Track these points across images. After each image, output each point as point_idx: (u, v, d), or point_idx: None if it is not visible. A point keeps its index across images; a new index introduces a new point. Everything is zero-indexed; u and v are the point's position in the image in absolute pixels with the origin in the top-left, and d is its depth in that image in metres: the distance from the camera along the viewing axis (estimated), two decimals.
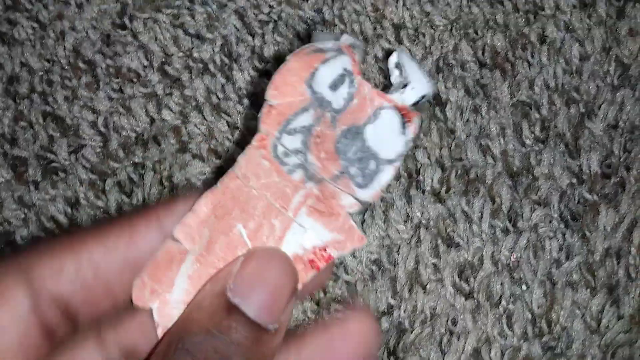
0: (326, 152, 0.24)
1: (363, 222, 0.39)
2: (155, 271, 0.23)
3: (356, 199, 0.24)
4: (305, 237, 0.24)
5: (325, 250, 0.24)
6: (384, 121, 0.24)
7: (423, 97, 0.25)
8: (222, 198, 0.24)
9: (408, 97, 0.25)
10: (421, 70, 0.25)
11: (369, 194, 0.24)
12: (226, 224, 0.24)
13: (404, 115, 0.25)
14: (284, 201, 0.24)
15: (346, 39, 0.24)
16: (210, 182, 0.38)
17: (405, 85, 0.25)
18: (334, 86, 0.24)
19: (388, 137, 0.24)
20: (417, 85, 0.25)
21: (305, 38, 0.43)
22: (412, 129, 0.24)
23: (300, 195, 0.24)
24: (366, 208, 0.40)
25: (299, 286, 0.23)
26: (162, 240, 0.23)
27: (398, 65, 0.26)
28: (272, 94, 0.24)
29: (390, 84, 0.26)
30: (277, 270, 0.23)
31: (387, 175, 0.24)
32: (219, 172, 0.40)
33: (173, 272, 0.23)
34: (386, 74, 0.40)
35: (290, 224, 0.24)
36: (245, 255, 0.23)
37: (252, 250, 0.23)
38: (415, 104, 0.25)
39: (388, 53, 0.43)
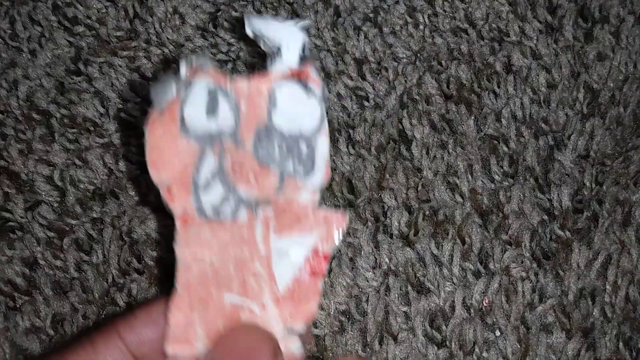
0: (253, 172, 0.22)
1: (330, 271, 0.36)
2: None
3: (311, 188, 0.22)
4: (291, 256, 0.22)
5: (317, 253, 0.22)
6: (284, 99, 0.21)
7: (303, 48, 0.22)
8: (191, 294, 0.21)
9: (288, 59, 0.21)
10: (282, 23, 0.22)
11: (319, 177, 0.22)
12: (216, 307, 0.21)
13: (299, 78, 0.21)
14: (249, 244, 0.22)
15: (185, 66, 0.21)
16: (172, 236, 0.35)
17: (279, 50, 0.21)
18: (211, 112, 0.21)
19: (298, 109, 0.22)
20: (288, 41, 0.22)
21: None
22: (314, 84, 0.21)
23: (260, 227, 0.22)
24: (327, 186, 0.37)
25: (317, 302, 0.22)
26: (126, 355, 0.21)
27: (257, 34, 0.22)
28: (157, 174, 0.21)
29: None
30: (245, 341, 0.21)
31: (322, 146, 0.22)
32: None
33: None
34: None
35: (269, 257, 0.22)
36: (215, 341, 0.21)
37: (220, 336, 0.21)
38: (302, 60, 0.22)
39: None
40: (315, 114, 0.22)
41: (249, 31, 0.22)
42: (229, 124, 0.21)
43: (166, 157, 0.21)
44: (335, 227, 0.22)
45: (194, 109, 0.21)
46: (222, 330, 0.21)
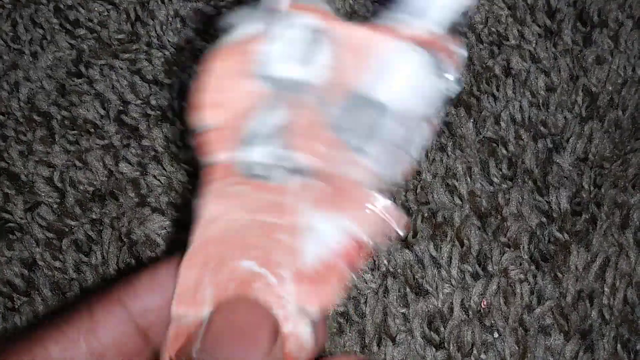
0: (326, 143, 0.17)
1: None
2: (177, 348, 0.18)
3: (383, 183, 0.18)
4: (326, 236, 0.18)
5: (357, 241, 0.18)
6: (405, 69, 0.16)
7: (459, 16, 0.16)
8: (208, 250, 0.19)
9: (434, 21, 0.16)
10: None
11: (397, 173, 0.18)
12: (231, 269, 0.19)
13: (436, 50, 0.16)
14: (287, 213, 0.18)
15: None
16: (171, 237, 0.35)
17: (424, 5, 0.16)
18: (307, 57, 0.17)
19: (418, 89, 0.17)
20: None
21: None
22: (452, 66, 0.16)
23: (307, 199, 0.18)
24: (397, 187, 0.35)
25: (339, 288, 0.18)
26: (128, 324, 0.19)
27: None
28: (210, 114, 0.18)
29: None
30: (244, 317, 0.19)
31: (420, 140, 0.17)
32: (179, 226, 0.37)
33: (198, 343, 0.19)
34: None
35: (303, 231, 0.18)
36: (211, 312, 0.19)
37: (216, 305, 0.19)
38: (451, 30, 0.16)
39: None
40: (436, 101, 0.17)
41: None
42: (322, 77, 0.17)
43: (227, 95, 0.17)
44: (392, 224, 0.18)
45: (286, 49, 0.17)
46: (232, 294, 0.19)
